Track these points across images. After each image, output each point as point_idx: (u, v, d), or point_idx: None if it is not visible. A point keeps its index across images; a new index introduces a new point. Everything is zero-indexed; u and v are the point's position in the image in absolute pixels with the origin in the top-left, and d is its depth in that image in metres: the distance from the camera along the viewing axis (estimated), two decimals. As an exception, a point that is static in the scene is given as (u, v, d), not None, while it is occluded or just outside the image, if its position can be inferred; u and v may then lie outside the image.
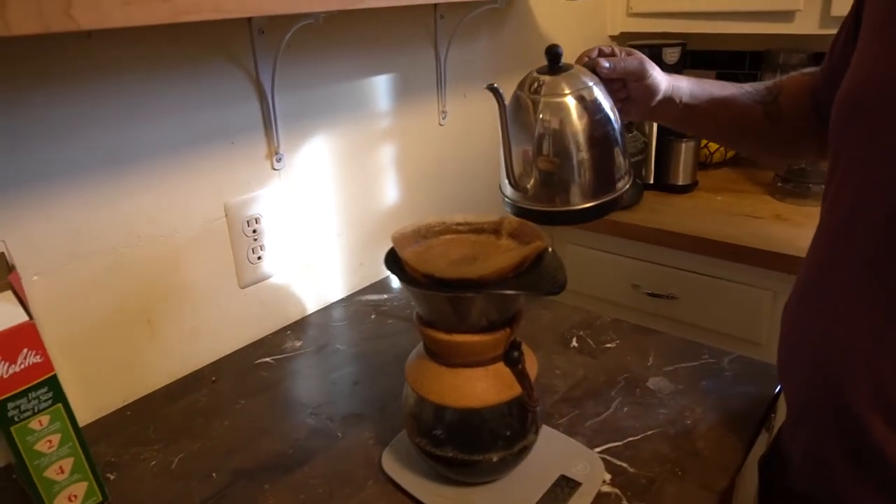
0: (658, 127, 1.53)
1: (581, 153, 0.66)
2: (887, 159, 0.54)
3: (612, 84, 0.74)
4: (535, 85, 0.67)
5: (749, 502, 0.80)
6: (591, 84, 0.67)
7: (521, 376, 0.62)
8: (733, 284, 1.32)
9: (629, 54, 0.75)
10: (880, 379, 0.55)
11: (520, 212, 0.69)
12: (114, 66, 0.78)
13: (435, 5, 1.16)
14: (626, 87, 0.76)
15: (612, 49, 0.76)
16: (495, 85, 0.64)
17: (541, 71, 0.69)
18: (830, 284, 0.60)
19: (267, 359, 0.97)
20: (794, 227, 1.33)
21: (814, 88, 0.79)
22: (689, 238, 1.34)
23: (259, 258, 1.00)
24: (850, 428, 0.58)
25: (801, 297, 0.66)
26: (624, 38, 1.67)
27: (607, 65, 0.72)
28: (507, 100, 0.67)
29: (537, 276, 0.59)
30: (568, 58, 0.69)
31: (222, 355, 0.98)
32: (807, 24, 1.38)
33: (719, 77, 1.15)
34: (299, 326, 1.07)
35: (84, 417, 0.82)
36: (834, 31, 0.72)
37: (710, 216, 1.43)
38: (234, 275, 0.98)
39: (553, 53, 0.68)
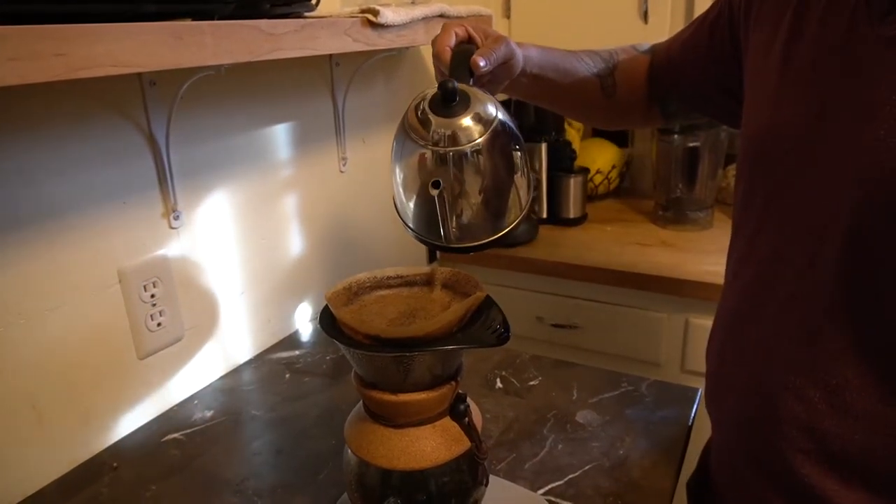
0: (548, 163, 1.61)
1: (491, 190, 0.62)
2: (805, 199, 0.56)
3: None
4: (436, 137, 0.59)
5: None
6: (495, 114, 0.60)
7: (469, 428, 0.61)
8: (631, 310, 1.39)
9: (495, 41, 0.70)
10: (810, 419, 0.56)
11: (441, 248, 0.64)
12: (-15, 125, 0.70)
13: (330, 54, 1.14)
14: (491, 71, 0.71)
15: (467, 31, 0.71)
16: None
17: (434, 108, 0.60)
18: (757, 320, 0.61)
19: (175, 434, 0.89)
20: (680, 253, 1.43)
21: (652, 67, 0.83)
22: (587, 269, 1.40)
23: (159, 325, 0.92)
24: (777, 464, 0.59)
25: (728, 332, 0.67)
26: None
27: (484, 63, 0.66)
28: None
29: (481, 326, 0.59)
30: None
31: (123, 435, 0.88)
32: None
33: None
34: (208, 394, 0.99)
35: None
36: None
37: (603, 246, 1.50)
38: (132, 345, 0.89)
39: (448, 90, 0.59)
